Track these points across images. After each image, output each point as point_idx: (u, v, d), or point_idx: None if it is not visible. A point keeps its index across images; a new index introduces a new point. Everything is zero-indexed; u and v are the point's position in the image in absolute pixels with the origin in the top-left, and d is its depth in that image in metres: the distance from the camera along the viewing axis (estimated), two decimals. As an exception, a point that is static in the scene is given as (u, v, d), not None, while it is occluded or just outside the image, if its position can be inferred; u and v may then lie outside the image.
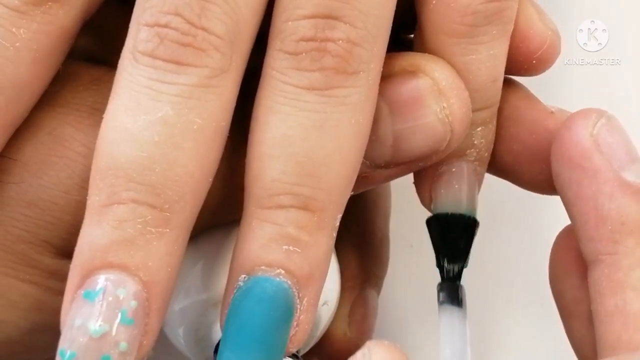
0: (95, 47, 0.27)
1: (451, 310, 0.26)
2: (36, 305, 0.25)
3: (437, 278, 0.27)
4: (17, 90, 0.24)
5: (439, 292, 0.27)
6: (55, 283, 0.25)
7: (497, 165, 0.28)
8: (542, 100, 0.28)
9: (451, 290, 0.27)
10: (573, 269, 0.26)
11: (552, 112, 0.27)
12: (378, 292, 0.34)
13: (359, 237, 0.33)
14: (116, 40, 0.24)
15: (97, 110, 0.24)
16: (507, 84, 0.27)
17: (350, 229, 0.33)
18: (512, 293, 0.37)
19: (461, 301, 0.26)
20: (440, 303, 0.26)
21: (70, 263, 0.23)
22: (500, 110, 0.27)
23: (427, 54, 0.26)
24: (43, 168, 0.25)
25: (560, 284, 0.27)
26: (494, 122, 0.27)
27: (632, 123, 0.41)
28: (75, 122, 0.25)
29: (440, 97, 0.25)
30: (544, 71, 0.27)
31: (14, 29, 0.24)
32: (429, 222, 0.27)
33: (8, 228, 0.25)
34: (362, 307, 0.33)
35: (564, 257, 0.27)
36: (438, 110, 0.25)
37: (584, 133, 0.25)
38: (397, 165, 0.26)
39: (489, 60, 0.26)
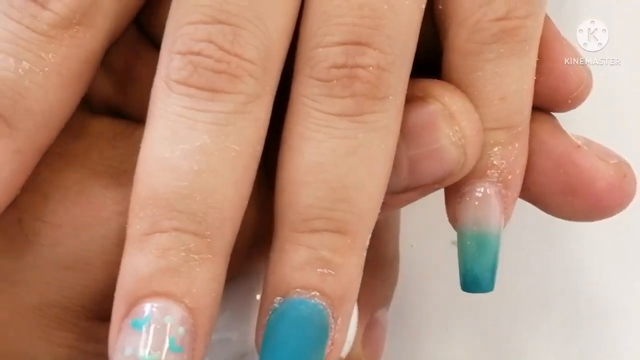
0: (114, 96, 0.27)
1: None
2: None
3: (437, 278, 0.27)
4: (46, 115, 0.24)
5: None
6: (90, 345, 0.25)
7: (525, 195, 0.28)
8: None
9: None
10: None
11: (579, 146, 0.27)
12: (387, 308, 0.34)
13: (372, 261, 0.33)
14: (135, 89, 0.24)
15: (125, 172, 0.24)
16: (535, 116, 0.27)
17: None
18: (519, 295, 0.37)
19: None
20: None
21: (106, 325, 0.23)
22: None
23: (435, 79, 0.26)
24: (77, 230, 0.24)
25: None
26: (517, 145, 0.26)
27: (632, 123, 0.41)
28: (104, 182, 0.25)
29: (452, 121, 0.25)
30: (576, 107, 0.27)
31: (42, 54, 0.23)
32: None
33: (43, 292, 0.25)
34: (375, 329, 0.33)
35: None
36: (451, 134, 0.25)
37: None
38: (413, 190, 0.26)
39: (494, 77, 0.26)
